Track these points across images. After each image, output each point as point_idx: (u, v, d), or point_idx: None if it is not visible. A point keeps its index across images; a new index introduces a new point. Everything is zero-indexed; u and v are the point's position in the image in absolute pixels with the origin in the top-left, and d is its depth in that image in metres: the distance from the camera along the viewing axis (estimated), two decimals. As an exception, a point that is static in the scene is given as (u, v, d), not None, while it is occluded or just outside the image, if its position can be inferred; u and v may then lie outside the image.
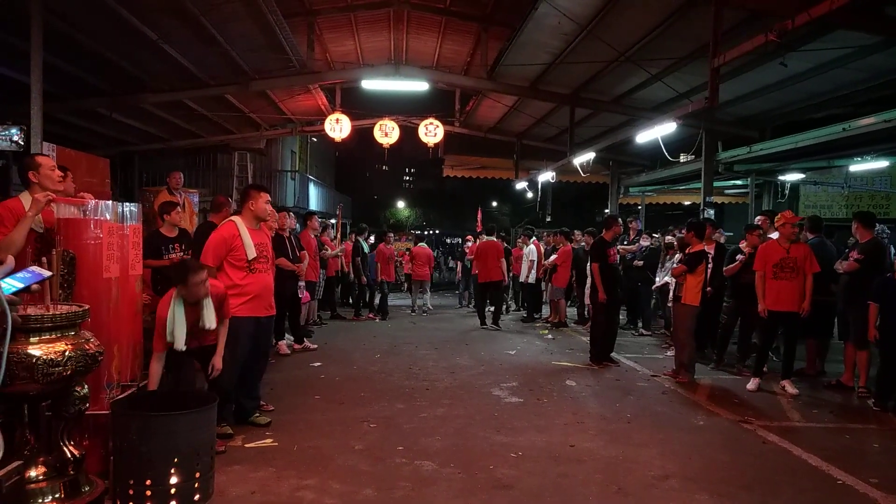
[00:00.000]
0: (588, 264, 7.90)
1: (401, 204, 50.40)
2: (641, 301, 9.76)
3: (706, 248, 7.50)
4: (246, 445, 4.23)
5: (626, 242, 10.29)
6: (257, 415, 4.73)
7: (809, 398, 5.81)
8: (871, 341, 5.65)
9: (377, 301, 11.62)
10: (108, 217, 3.61)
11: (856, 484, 3.77)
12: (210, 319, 3.93)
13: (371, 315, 11.37)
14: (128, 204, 3.88)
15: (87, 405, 3.10)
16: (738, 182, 14.38)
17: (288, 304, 7.34)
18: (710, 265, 7.29)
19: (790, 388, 5.92)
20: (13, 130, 6.32)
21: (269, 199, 4.65)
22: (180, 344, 3.79)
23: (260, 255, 4.53)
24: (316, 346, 8.07)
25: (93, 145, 12.71)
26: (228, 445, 4.12)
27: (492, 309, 10.54)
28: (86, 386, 3.07)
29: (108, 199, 3.91)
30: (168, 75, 10.23)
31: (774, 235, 6.70)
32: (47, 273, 2.37)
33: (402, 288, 18.00)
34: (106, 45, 8.64)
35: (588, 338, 7.85)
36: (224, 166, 17.01)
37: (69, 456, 2.97)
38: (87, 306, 3.08)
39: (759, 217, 7.44)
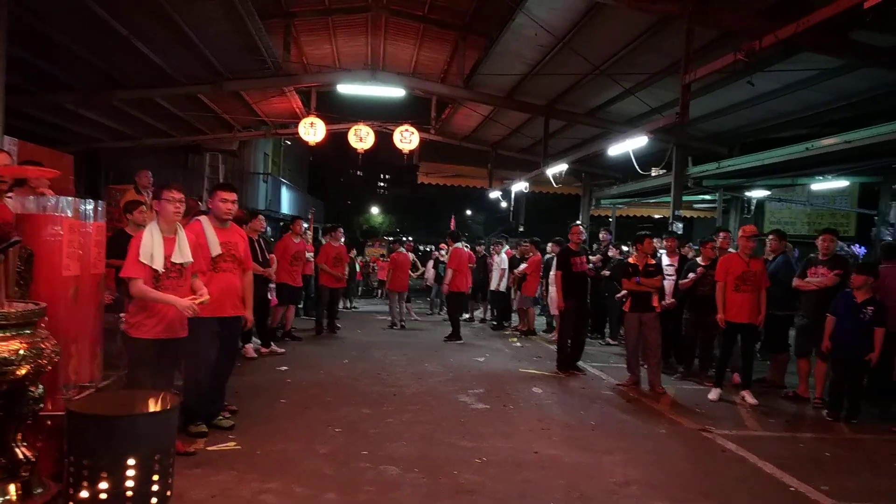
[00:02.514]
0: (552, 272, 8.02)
1: (375, 210, 50.25)
2: (608, 311, 9.89)
3: (671, 260, 7.69)
4: (208, 448, 4.16)
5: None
6: (221, 418, 4.66)
7: (767, 408, 5.94)
8: (823, 352, 5.83)
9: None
10: (68, 214, 3.53)
11: (808, 491, 3.87)
12: (185, 254, 3.96)
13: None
14: (91, 201, 3.80)
15: (42, 406, 3.02)
16: (707, 197, 14.74)
17: (255, 307, 7.24)
18: (672, 276, 7.46)
19: (749, 399, 6.06)
20: None
21: (229, 197, 4.52)
22: (159, 264, 3.82)
23: (226, 253, 4.47)
24: (283, 350, 7.98)
25: (60, 141, 12.41)
26: (188, 449, 4.04)
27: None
28: (41, 386, 2.99)
29: (72, 196, 3.83)
30: (139, 72, 10.05)
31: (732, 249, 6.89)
32: None
33: (374, 294, 17.93)
34: (75, 40, 8.47)
35: (555, 346, 7.92)
36: (195, 167, 16.76)
37: (22, 458, 2.89)
38: (44, 304, 3.01)
39: (721, 233, 7.58)
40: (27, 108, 10.66)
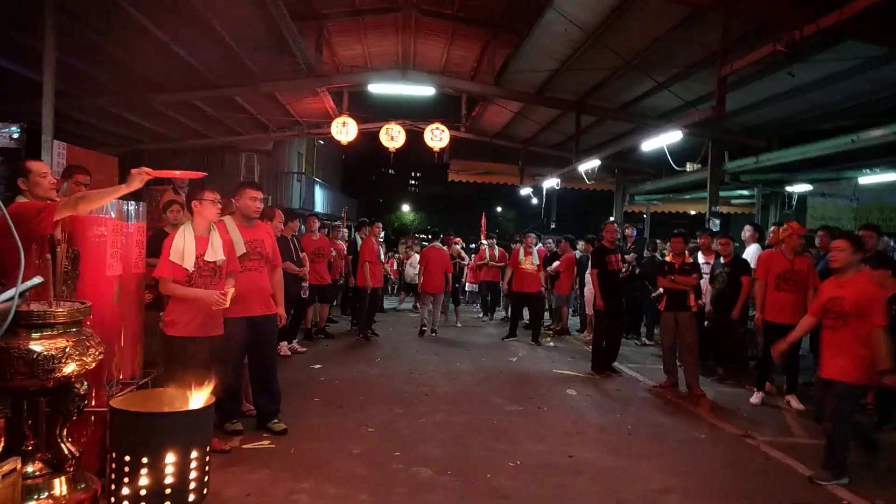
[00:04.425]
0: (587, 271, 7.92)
1: (406, 208, 50.45)
2: (643, 310, 9.72)
3: (706, 258, 7.52)
4: (243, 447, 4.23)
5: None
6: (275, 421, 4.61)
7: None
8: None
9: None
10: (112, 215, 3.62)
11: None
12: (218, 251, 4.00)
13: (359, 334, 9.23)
14: (132, 202, 3.89)
15: (87, 402, 3.11)
16: (745, 192, 14.33)
17: (292, 305, 7.35)
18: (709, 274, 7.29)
19: (795, 403, 5.85)
20: (13, 128, 6.34)
21: (256, 195, 4.52)
22: (189, 263, 3.88)
23: (252, 251, 4.46)
24: (305, 349, 7.98)
25: (104, 143, 12.79)
26: (224, 447, 4.11)
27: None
28: (85, 383, 3.07)
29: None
30: (178, 76, 10.28)
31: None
32: (39, 279, 2.42)
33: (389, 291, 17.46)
34: (119, 46, 8.70)
35: (590, 347, 7.82)
36: (231, 167, 17.07)
37: (67, 453, 2.97)
38: (89, 303, 3.09)
39: (772, 226, 7.39)
40: (73, 111, 11.00)
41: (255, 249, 4.51)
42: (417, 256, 13.47)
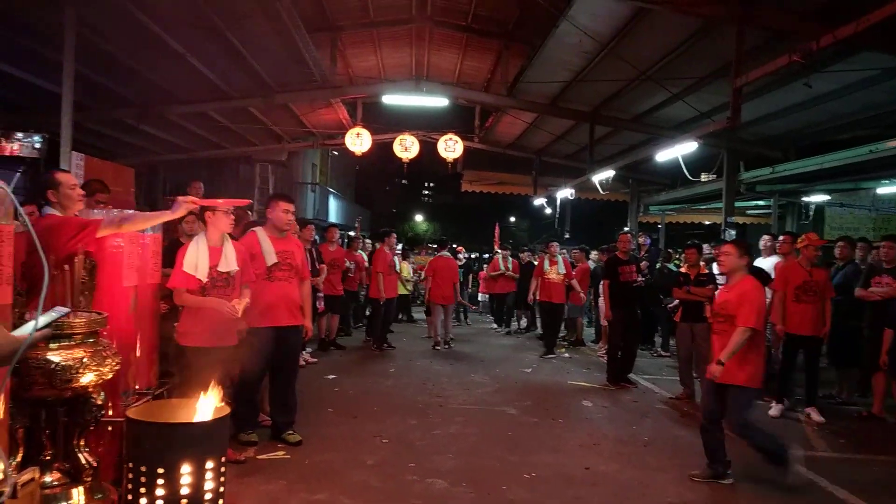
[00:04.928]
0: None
1: (419, 218, 50.54)
2: (658, 321, 9.63)
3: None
4: (259, 457, 4.23)
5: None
6: (290, 432, 4.60)
7: (836, 427, 5.62)
8: (881, 366, 5.51)
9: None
10: (129, 226, 3.65)
11: (885, 520, 3.63)
12: (231, 262, 4.00)
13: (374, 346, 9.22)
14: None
15: (104, 412, 3.13)
16: (761, 203, 14.21)
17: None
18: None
19: (815, 416, 5.75)
20: (36, 137, 6.44)
21: (289, 208, 4.57)
22: (203, 274, 3.88)
23: (283, 262, 4.49)
24: (316, 359, 7.98)
25: (120, 154, 12.94)
26: (238, 457, 4.11)
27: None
28: (102, 393, 3.10)
29: (132, 208, 3.96)
30: (194, 87, 10.41)
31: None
32: (67, 309, 2.46)
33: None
34: (135, 58, 8.84)
35: (605, 357, 7.76)
36: (246, 177, 17.22)
37: (84, 463, 2.99)
38: (106, 314, 3.11)
39: (781, 236, 7.26)
40: (90, 123, 11.16)
41: (286, 260, 4.55)
42: (406, 265, 13.39)
